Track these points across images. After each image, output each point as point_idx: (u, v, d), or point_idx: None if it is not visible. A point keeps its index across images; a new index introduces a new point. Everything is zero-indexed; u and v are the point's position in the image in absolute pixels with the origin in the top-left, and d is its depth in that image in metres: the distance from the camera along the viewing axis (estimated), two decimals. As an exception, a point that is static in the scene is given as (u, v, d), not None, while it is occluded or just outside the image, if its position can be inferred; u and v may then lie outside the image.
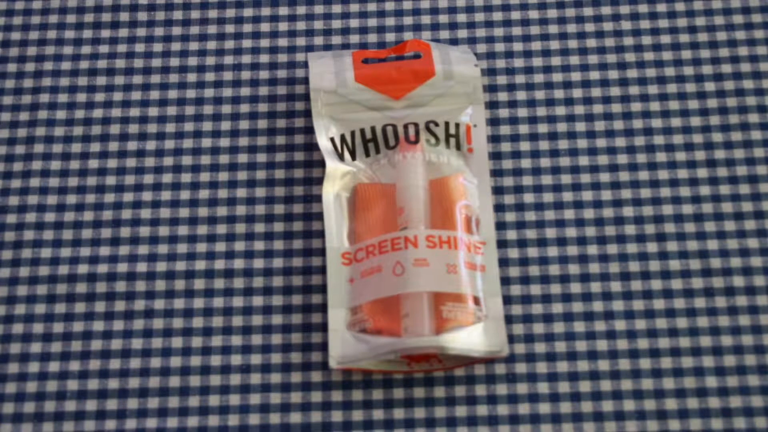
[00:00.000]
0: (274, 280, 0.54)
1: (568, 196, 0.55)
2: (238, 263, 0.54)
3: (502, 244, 0.54)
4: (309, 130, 0.58)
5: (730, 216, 0.55)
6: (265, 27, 0.61)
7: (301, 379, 0.52)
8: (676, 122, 0.57)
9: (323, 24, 0.61)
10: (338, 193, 0.54)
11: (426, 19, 0.60)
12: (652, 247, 0.54)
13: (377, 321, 0.51)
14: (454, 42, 0.59)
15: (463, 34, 0.60)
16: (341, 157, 0.55)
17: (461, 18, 0.60)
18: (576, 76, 0.58)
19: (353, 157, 0.55)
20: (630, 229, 0.55)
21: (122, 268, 0.54)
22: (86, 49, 0.60)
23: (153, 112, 0.58)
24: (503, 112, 0.58)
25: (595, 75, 0.58)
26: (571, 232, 0.55)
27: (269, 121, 0.58)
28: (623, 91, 0.58)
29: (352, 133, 0.55)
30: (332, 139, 0.55)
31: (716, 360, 0.52)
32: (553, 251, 0.54)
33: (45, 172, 0.57)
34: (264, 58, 0.60)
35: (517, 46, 0.59)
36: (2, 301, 0.54)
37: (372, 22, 0.60)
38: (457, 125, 0.55)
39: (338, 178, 0.55)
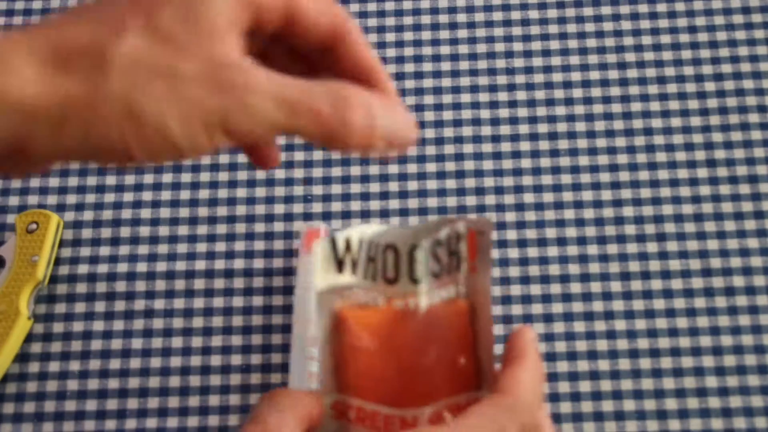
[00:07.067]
0: (274, 280, 0.54)
1: (568, 196, 0.55)
2: (238, 263, 0.54)
3: (502, 244, 0.54)
4: (309, 130, 0.58)
5: (730, 216, 0.55)
6: (265, 27, 0.61)
7: (301, 379, 0.52)
8: (676, 122, 0.57)
9: (323, 24, 0.60)
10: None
11: (426, 19, 0.60)
12: (652, 247, 0.54)
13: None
14: (454, 42, 0.59)
15: (463, 34, 0.60)
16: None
17: (461, 18, 0.60)
18: (576, 76, 0.58)
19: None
20: (630, 229, 0.55)
21: (122, 268, 0.54)
22: (86, 49, 0.60)
23: (153, 112, 0.58)
24: (503, 112, 0.58)
25: (595, 75, 0.58)
26: (571, 232, 0.55)
27: (269, 121, 0.58)
28: (623, 91, 0.58)
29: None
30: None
31: (716, 360, 0.52)
32: (553, 251, 0.54)
33: (45, 172, 0.57)
34: (264, 58, 0.60)
35: (517, 46, 0.59)
36: (2, 301, 0.54)
37: (372, 22, 0.60)
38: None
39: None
